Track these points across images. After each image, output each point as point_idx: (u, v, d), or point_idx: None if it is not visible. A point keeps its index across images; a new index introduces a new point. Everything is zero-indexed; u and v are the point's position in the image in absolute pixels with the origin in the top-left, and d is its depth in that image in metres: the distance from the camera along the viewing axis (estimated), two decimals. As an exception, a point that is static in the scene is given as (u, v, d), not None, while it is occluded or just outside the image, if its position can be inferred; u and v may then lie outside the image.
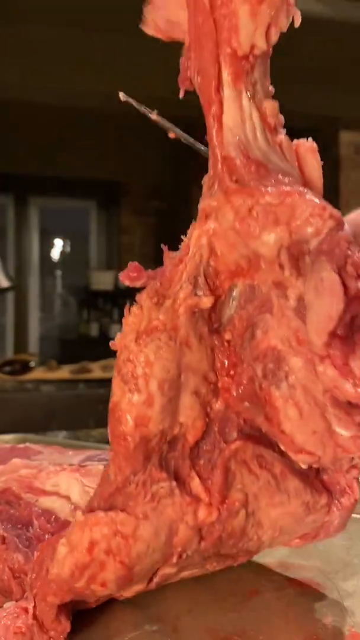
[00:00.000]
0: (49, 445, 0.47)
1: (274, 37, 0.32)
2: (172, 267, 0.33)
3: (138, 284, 0.34)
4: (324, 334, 0.30)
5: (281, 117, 0.35)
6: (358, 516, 0.42)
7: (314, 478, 0.36)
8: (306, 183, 0.34)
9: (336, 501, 0.36)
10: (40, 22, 3.83)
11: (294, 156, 0.34)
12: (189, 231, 0.34)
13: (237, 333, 0.33)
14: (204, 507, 0.32)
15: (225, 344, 0.34)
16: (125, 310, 0.33)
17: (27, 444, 0.48)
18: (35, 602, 0.32)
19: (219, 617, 0.35)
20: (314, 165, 0.34)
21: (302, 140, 0.34)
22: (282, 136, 0.34)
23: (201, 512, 0.32)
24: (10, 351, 5.04)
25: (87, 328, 4.99)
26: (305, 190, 0.32)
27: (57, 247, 5.58)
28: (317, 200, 0.31)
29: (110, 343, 0.34)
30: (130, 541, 0.30)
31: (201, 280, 0.33)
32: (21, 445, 0.48)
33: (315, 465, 0.34)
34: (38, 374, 2.08)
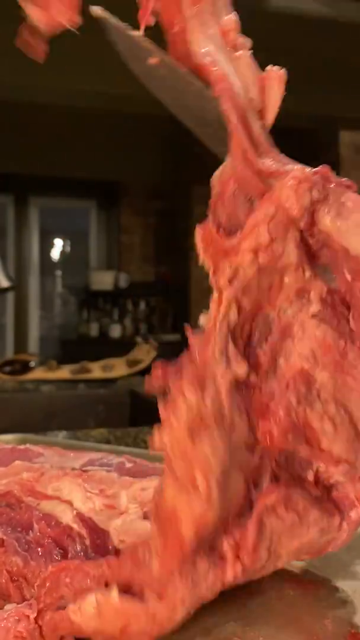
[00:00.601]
0: (49, 447, 0.47)
1: None
2: (202, 347, 0.32)
3: (168, 384, 0.31)
4: None
5: (247, 39, 0.36)
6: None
7: (326, 500, 0.36)
8: (263, 104, 0.34)
9: (346, 516, 0.36)
10: (40, 22, 3.82)
11: (251, 72, 0.34)
12: (211, 310, 0.33)
13: (262, 370, 0.33)
14: (230, 567, 0.31)
15: (254, 390, 0.33)
16: (166, 403, 0.30)
17: (28, 446, 0.48)
18: (38, 615, 0.31)
19: (218, 617, 0.35)
20: (276, 92, 0.35)
21: (274, 68, 0.35)
22: (242, 52, 0.35)
23: (229, 573, 0.31)
24: (10, 351, 5.04)
25: (87, 328, 4.99)
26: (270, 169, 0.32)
27: (57, 247, 5.58)
28: (289, 181, 0.32)
29: (150, 440, 0.31)
30: (166, 624, 0.30)
31: (231, 348, 0.32)
32: (22, 447, 0.48)
33: (350, 475, 0.34)
34: (38, 374, 2.08)
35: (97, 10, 0.37)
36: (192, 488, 0.29)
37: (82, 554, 0.34)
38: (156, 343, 2.39)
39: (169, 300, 5.06)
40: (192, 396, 0.30)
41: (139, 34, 0.36)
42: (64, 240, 5.61)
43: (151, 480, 0.37)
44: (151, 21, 0.36)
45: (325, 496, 0.36)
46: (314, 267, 0.32)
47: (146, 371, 2.14)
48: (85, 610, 0.30)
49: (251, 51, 0.35)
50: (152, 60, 0.35)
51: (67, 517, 0.36)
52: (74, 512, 0.36)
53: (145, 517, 0.35)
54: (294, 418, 0.32)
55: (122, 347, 2.69)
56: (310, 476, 0.34)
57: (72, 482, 0.38)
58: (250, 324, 0.33)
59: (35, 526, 0.36)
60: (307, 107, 3.36)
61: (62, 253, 5.61)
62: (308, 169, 0.34)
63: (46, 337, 5.28)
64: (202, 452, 0.29)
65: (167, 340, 4.69)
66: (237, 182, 0.33)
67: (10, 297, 5.08)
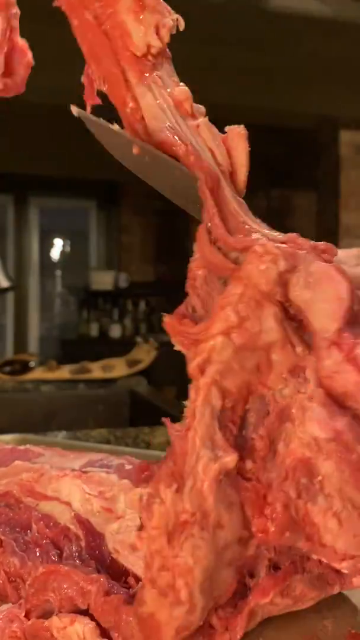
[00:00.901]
0: (49, 447, 0.47)
1: (166, 37, 0.36)
2: (181, 440, 0.29)
3: (152, 482, 0.29)
4: (337, 318, 0.29)
5: (200, 106, 0.36)
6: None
7: (328, 573, 0.34)
8: (233, 166, 0.34)
9: (347, 581, 0.35)
10: (40, 22, 3.83)
11: (213, 137, 0.35)
12: (190, 399, 0.30)
13: (259, 456, 0.30)
14: (219, 636, 0.30)
15: (250, 479, 0.30)
16: (144, 507, 0.28)
17: (28, 446, 0.48)
18: (25, 616, 0.32)
19: (218, 617, 0.35)
20: (241, 151, 0.35)
21: (233, 127, 0.35)
22: (200, 120, 0.35)
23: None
24: (10, 351, 5.04)
25: (87, 328, 4.99)
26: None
27: (57, 247, 5.58)
28: (259, 252, 0.30)
29: (131, 544, 0.30)
30: None
31: (218, 437, 0.29)
32: (22, 447, 0.48)
33: (355, 569, 0.31)
34: (38, 374, 2.08)
35: (74, 109, 0.38)
36: (173, 597, 0.27)
37: (77, 554, 0.34)
38: (156, 343, 2.39)
39: (169, 300, 5.06)
40: (167, 496, 0.27)
41: (117, 127, 0.37)
42: (64, 240, 5.61)
43: None
44: (97, 101, 0.38)
45: (327, 570, 0.33)
46: (304, 340, 0.30)
47: (146, 371, 2.14)
48: (68, 635, 0.30)
49: (208, 118, 0.36)
50: (134, 150, 0.36)
51: (65, 518, 0.36)
52: (72, 513, 0.36)
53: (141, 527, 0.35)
54: (292, 513, 0.29)
55: (122, 347, 2.69)
56: (314, 556, 0.31)
57: (72, 483, 0.38)
58: (242, 406, 0.30)
59: (34, 526, 0.36)
60: (307, 107, 3.36)
61: (62, 253, 5.61)
62: (275, 237, 0.32)
63: (46, 337, 5.28)
64: (183, 560, 0.27)
65: (167, 340, 4.66)
66: (207, 267, 0.32)
67: (10, 297, 5.08)
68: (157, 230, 5.24)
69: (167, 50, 0.37)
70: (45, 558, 0.35)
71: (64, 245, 5.61)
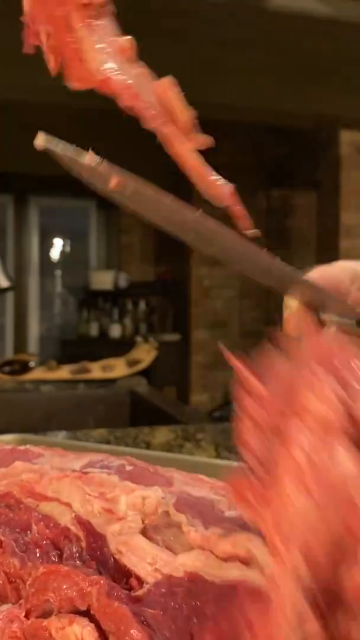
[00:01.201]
0: (50, 448, 0.47)
1: None
2: (263, 620, 0.24)
3: None
4: None
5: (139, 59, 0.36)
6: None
7: None
8: (171, 109, 0.35)
9: None
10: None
11: (150, 86, 0.35)
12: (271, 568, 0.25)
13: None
14: None
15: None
16: None
17: (28, 446, 0.48)
18: (25, 616, 0.31)
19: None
20: (175, 96, 0.35)
21: (162, 80, 0.35)
22: (141, 66, 0.35)
23: None
24: (9, 351, 5.04)
25: (87, 328, 4.99)
26: None
27: (57, 247, 5.58)
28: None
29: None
30: None
31: (309, 620, 0.24)
32: (22, 448, 0.48)
33: None
34: (38, 374, 2.08)
35: (40, 139, 0.34)
36: None
37: (77, 555, 0.34)
38: (156, 343, 2.40)
39: (169, 300, 5.06)
40: None
41: (91, 158, 0.34)
42: (63, 240, 5.61)
43: (154, 491, 0.37)
44: (36, 42, 0.37)
45: None
46: None
47: (146, 371, 2.14)
48: (67, 635, 0.29)
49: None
50: (112, 184, 0.33)
51: (65, 519, 0.36)
52: (73, 514, 0.36)
53: (144, 529, 0.35)
54: None
55: (122, 347, 2.70)
56: None
57: (72, 484, 0.38)
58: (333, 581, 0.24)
59: (34, 527, 0.36)
60: (307, 107, 3.37)
61: (62, 253, 5.61)
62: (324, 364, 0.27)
63: (46, 337, 5.28)
64: None
65: (167, 340, 4.69)
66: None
67: (10, 297, 5.08)
68: (157, 230, 5.22)
69: (111, 6, 0.36)
70: (46, 559, 0.34)
71: (63, 245, 5.61)
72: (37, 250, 5.32)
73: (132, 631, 0.27)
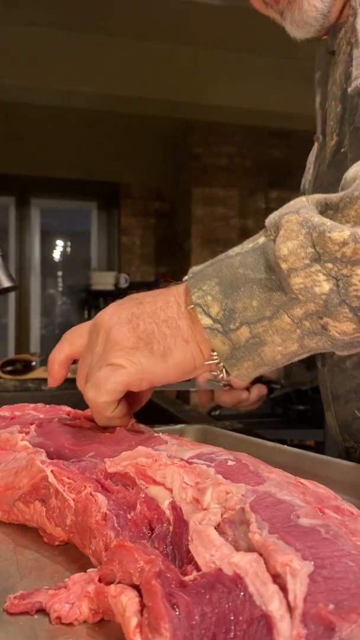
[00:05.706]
0: (174, 437, 0.51)
1: None
2: None
3: None
4: None
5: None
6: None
7: None
8: None
9: None
10: (41, 25, 3.84)
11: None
12: None
13: None
14: None
15: None
16: None
17: (156, 434, 0.52)
18: (99, 579, 0.35)
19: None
20: None
21: None
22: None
23: None
24: (11, 351, 5.05)
25: (88, 328, 5.00)
26: None
27: (59, 248, 5.59)
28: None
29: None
30: None
31: None
32: (147, 434, 0.52)
33: None
34: (39, 373, 2.08)
35: None
36: None
37: (163, 537, 0.38)
38: (157, 343, 2.39)
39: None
40: None
41: None
42: (65, 241, 5.62)
43: (238, 487, 0.38)
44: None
45: None
46: None
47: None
48: (117, 602, 0.32)
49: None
50: None
51: (165, 503, 0.39)
52: (171, 499, 0.40)
53: (221, 522, 0.36)
54: None
55: (123, 347, 2.69)
56: None
57: (175, 472, 0.41)
58: None
59: (138, 507, 0.40)
60: (307, 108, 3.37)
61: (63, 254, 5.62)
62: None
63: (47, 336, 5.29)
64: None
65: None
66: None
67: (11, 297, 5.09)
68: (157, 231, 5.24)
69: None
70: (137, 536, 0.38)
71: (65, 246, 5.63)
72: (39, 251, 5.33)
73: (157, 609, 0.29)
